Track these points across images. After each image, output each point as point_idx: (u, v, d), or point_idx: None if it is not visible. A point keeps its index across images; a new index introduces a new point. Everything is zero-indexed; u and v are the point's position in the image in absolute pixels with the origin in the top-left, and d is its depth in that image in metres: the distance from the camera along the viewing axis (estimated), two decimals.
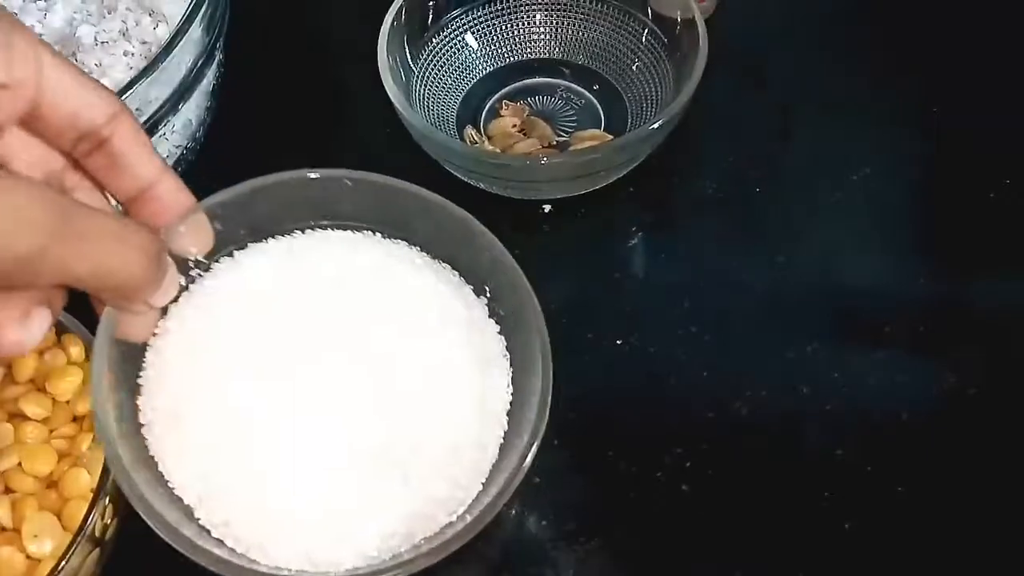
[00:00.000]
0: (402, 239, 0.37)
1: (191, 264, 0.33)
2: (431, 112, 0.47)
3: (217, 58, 0.44)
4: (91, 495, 0.31)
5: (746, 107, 0.49)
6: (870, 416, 0.37)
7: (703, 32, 0.43)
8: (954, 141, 0.47)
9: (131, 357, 0.31)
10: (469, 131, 0.47)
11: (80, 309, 0.35)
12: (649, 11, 0.47)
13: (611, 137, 0.46)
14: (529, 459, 0.29)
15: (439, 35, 0.48)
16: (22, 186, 0.19)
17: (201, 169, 0.44)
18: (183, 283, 0.31)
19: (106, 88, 0.24)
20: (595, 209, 0.45)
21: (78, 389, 0.34)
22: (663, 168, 0.46)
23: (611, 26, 0.49)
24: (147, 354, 0.32)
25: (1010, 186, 0.45)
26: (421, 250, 0.36)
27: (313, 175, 0.36)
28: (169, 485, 0.29)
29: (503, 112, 0.48)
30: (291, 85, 0.51)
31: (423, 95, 0.47)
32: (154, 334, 0.32)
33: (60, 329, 0.35)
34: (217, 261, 0.35)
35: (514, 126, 0.47)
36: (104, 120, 0.24)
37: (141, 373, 0.32)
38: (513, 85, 0.49)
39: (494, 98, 0.49)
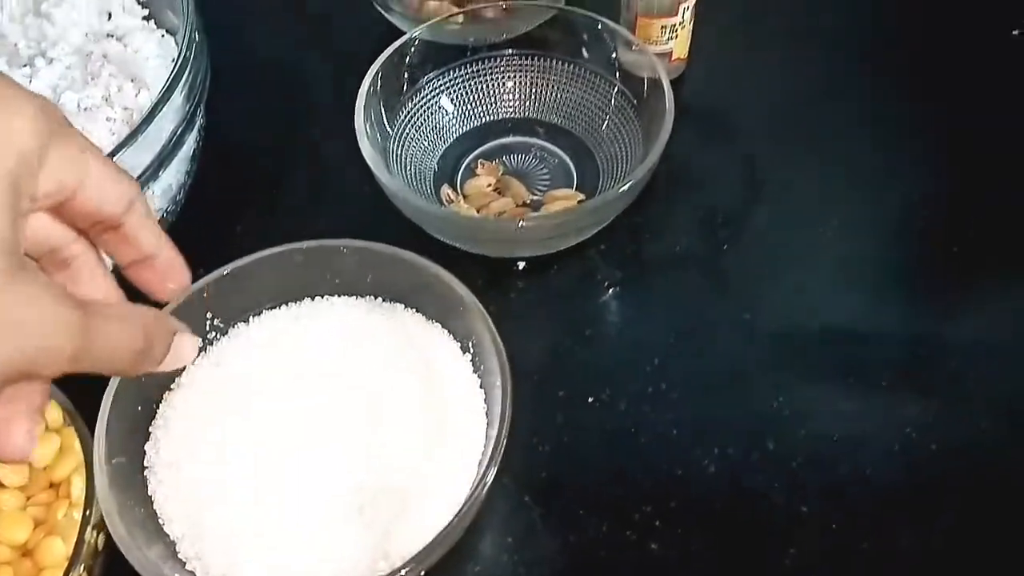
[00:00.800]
0: (396, 301, 0.40)
1: (208, 328, 0.39)
2: (408, 172, 0.48)
3: (198, 123, 0.45)
4: (66, 564, 0.31)
5: (714, 162, 0.50)
6: (835, 471, 0.38)
7: (669, 94, 0.44)
8: (919, 195, 0.49)
9: (146, 407, 0.37)
10: (446, 190, 0.48)
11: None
12: (618, 73, 0.49)
13: (583, 197, 0.47)
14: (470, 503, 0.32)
15: (415, 98, 0.49)
16: (48, 297, 0.20)
17: (181, 231, 0.45)
18: (201, 344, 0.36)
19: (128, 176, 0.26)
20: (567, 266, 0.46)
21: (55, 455, 0.34)
22: (633, 224, 0.47)
23: (582, 86, 0.50)
24: (161, 405, 0.37)
25: (974, 239, 0.46)
26: (415, 311, 0.40)
27: (316, 245, 0.40)
28: (159, 521, 0.34)
29: (479, 171, 0.49)
30: (270, 147, 0.52)
31: (400, 156, 0.48)
32: (169, 389, 0.38)
33: None
34: (233, 326, 0.40)
35: (489, 185, 0.49)
36: (124, 208, 0.25)
37: (153, 422, 0.37)
38: (488, 144, 0.51)
39: (470, 157, 0.50)
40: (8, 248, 0.20)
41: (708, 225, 0.47)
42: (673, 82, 0.53)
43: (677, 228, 0.47)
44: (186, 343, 0.26)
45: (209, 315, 0.39)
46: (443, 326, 0.39)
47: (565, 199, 0.47)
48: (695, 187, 0.49)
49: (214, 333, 0.39)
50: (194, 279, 0.38)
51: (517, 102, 0.51)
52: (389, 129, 0.47)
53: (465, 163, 0.50)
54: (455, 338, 0.39)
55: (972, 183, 0.49)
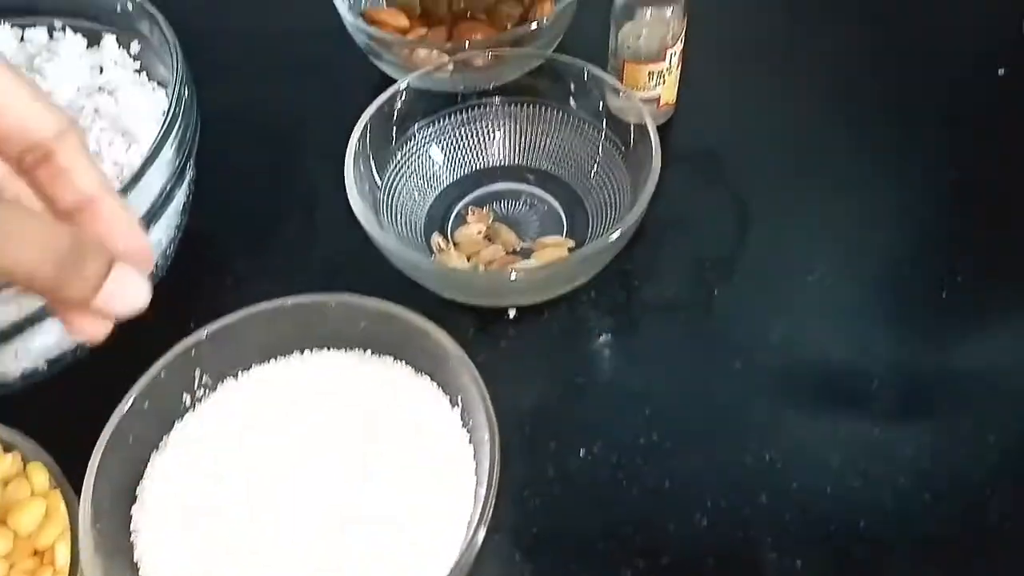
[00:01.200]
0: (385, 354, 0.40)
1: (196, 385, 0.39)
2: (399, 221, 0.48)
3: (188, 177, 0.45)
4: None
5: (703, 207, 0.51)
6: (828, 525, 0.38)
7: (656, 142, 0.44)
8: (907, 238, 0.49)
9: (133, 468, 0.37)
10: (436, 238, 0.48)
11: (46, 436, 0.36)
12: (605, 119, 0.49)
13: (572, 244, 0.47)
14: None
15: (404, 148, 0.50)
16: None
17: (172, 285, 0.45)
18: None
19: (59, 107, 0.26)
20: (558, 313, 0.46)
21: (40, 522, 0.34)
22: (624, 271, 0.47)
23: (571, 133, 0.50)
24: (148, 466, 0.37)
25: (962, 283, 0.46)
26: (404, 364, 0.40)
27: (305, 301, 0.40)
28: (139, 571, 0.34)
29: (469, 219, 0.50)
30: (261, 198, 0.53)
31: (390, 206, 0.48)
32: (156, 448, 0.38)
33: (25, 458, 0.36)
34: (222, 383, 0.40)
35: (479, 232, 0.49)
36: (53, 135, 0.25)
37: (140, 483, 0.37)
38: (478, 191, 0.51)
39: (460, 205, 0.50)
40: None
41: (698, 270, 0.47)
42: (662, 127, 0.54)
43: (667, 274, 0.47)
44: (131, 278, 0.25)
45: (198, 372, 0.39)
46: (432, 379, 0.39)
47: (555, 246, 0.47)
48: (685, 232, 0.49)
49: (203, 390, 0.39)
50: (184, 333, 0.38)
51: (506, 149, 0.52)
52: (379, 180, 0.48)
53: (455, 210, 0.50)
54: (444, 391, 0.39)
55: (963, 222, 0.49)
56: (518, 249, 0.48)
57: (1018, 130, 0.53)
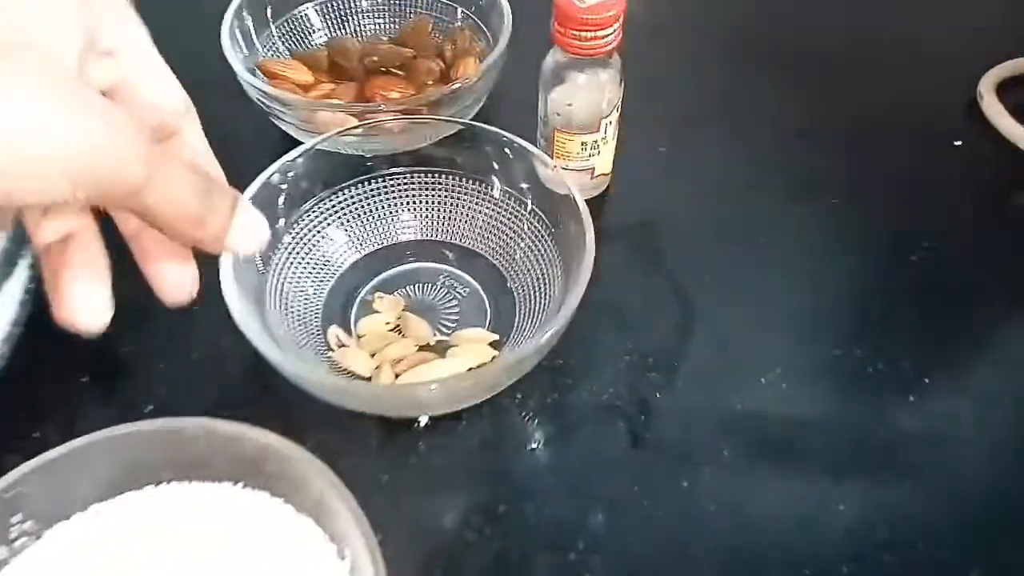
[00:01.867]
0: (260, 489, 0.33)
1: (14, 535, 0.31)
2: (290, 314, 0.41)
3: (22, 264, 0.37)
4: None
5: (642, 293, 0.45)
6: None
7: (588, 225, 0.38)
8: (858, 316, 0.44)
9: None
10: (334, 332, 0.41)
11: None
12: (531, 195, 0.43)
13: (496, 337, 0.41)
14: None
15: (296, 228, 0.43)
16: (122, 115, 0.23)
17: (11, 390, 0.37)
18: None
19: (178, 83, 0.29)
20: (478, 421, 0.39)
21: None
22: (554, 367, 0.41)
23: (493, 208, 0.44)
24: None
25: (929, 386, 0.41)
26: (283, 502, 0.32)
27: (158, 427, 0.32)
28: None
29: (376, 305, 0.43)
30: (126, 287, 0.45)
31: (279, 297, 0.41)
32: None
33: None
34: (50, 528, 0.32)
35: (388, 324, 0.42)
36: (182, 112, 0.29)
37: None
38: (387, 273, 0.44)
39: (365, 290, 0.43)
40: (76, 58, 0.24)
41: (639, 369, 0.41)
42: (597, 198, 0.48)
43: (604, 373, 0.41)
44: (254, 213, 0.30)
45: (18, 517, 0.31)
46: (316, 522, 0.32)
47: (476, 342, 0.41)
48: (622, 321, 0.43)
49: (23, 539, 0.31)
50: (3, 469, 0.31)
51: (420, 225, 0.45)
52: (264, 268, 0.40)
53: (360, 296, 0.43)
54: (331, 539, 0.31)
55: (914, 290, 0.45)
56: (433, 343, 0.41)
57: (976, 200, 0.50)
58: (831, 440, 0.39)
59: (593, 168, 0.46)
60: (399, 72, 0.52)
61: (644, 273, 0.46)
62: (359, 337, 0.42)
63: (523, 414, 0.40)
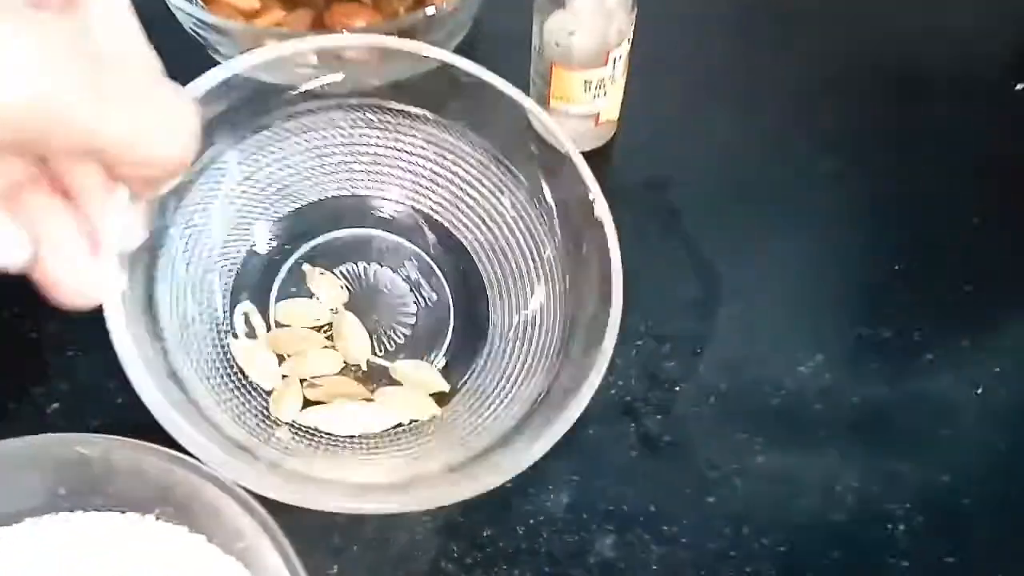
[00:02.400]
0: (180, 524, 0.26)
1: None
2: (191, 273, 0.32)
3: None
4: None
5: (657, 266, 0.37)
6: None
7: (610, 232, 0.30)
8: (918, 318, 0.37)
9: None
10: (245, 310, 0.32)
11: None
12: (526, 165, 0.33)
13: (443, 388, 0.32)
14: None
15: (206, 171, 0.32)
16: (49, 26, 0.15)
17: None
18: None
19: None
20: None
21: None
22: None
23: (473, 171, 0.34)
24: None
25: (1000, 374, 0.35)
26: (208, 541, 0.26)
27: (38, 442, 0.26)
28: None
29: (311, 283, 0.33)
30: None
31: (181, 249, 0.31)
32: None
33: None
34: None
35: (318, 320, 0.33)
36: None
37: None
38: (333, 235, 0.34)
39: (299, 253, 0.34)
40: None
41: (653, 356, 0.34)
42: (601, 150, 0.41)
43: (611, 362, 0.34)
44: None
45: None
46: (245, 566, 0.25)
47: (417, 387, 0.32)
48: (634, 301, 0.36)
49: None
50: None
51: (373, 179, 0.35)
52: (177, 201, 0.31)
53: (291, 262, 0.34)
54: None
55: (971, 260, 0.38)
56: (365, 369, 0.33)
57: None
58: (888, 439, 0.33)
59: (598, 114, 0.38)
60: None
61: (658, 241, 0.38)
62: (275, 326, 0.33)
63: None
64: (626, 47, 0.37)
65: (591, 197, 0.30)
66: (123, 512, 0.25)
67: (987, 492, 0.32)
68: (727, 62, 0.46)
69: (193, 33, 0.39)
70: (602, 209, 0.30)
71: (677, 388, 0.33)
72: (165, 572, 0.25)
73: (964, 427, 0.33)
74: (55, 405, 0.32)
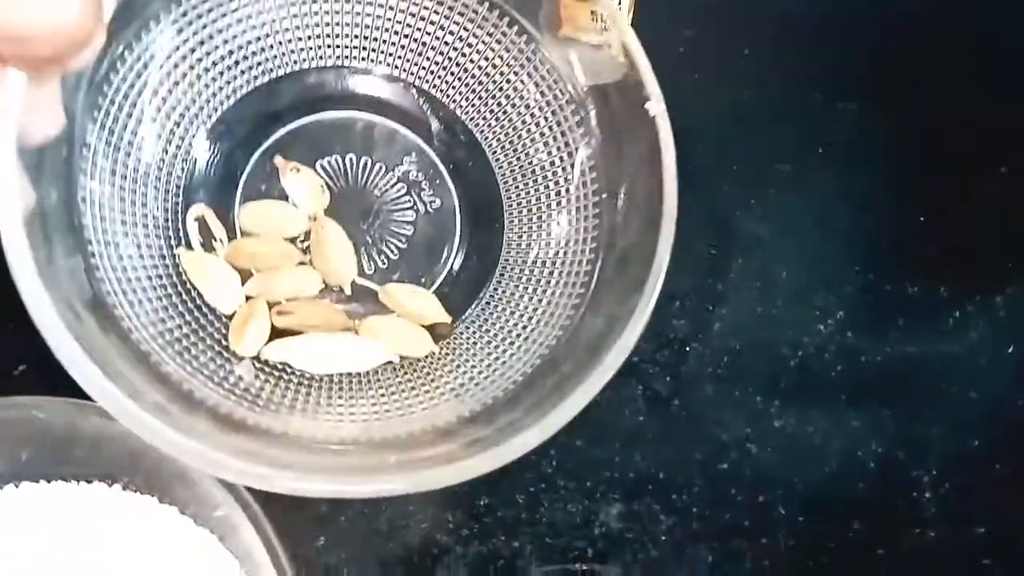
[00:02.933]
0: (146, 492, 0.24)
1: None
2: (125, 161, 0.25)
3: None
4: None
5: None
6: None
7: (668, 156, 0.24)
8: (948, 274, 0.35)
9: None
10: (199, 212, 0.26)
11: None
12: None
13: (444, 319, 0.27)
14: None
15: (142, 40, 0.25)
16: None
17: None
18: None
19: None
20: None
21: None
22: None
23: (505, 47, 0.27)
24: None
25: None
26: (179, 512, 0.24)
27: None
28: None
29: (285, 180, 0.27)
30: None
31: (111, 127, 0.25)
32: None
33: None
34: None
35: (295, 229, 0.27)
36: None
37: None
38: (316, 118, 0.28)
39: (273, 139, 0.27)
40: None
41: (663, 314, 0.32)
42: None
43: None
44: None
45: None
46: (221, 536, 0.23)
47: (411, 315, 0.27)
48: None
49: None
50: None
51: (364, 43, 0.28)
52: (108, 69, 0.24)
53: (260, 151, 0.27)
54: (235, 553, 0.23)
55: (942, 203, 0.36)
56: (348, 292, 0.27)
57: None
58: (914, 401, 0.31)
59: (610, 44, 0.35)
60: None
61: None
62: (238, 235, 0.27)
63: None
64: None
65: (645, 90, 0.24)
66: (89, 482, 0.23)
67: (1020, 457, 0.30)
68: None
69: None
70: (656, 106, 0.24)
71: (688, 348, 0.31)
72: (135, 544, 0.23)
73: (995, 389, 0.31)
74: (22, 367, 0.30)
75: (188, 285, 0.26)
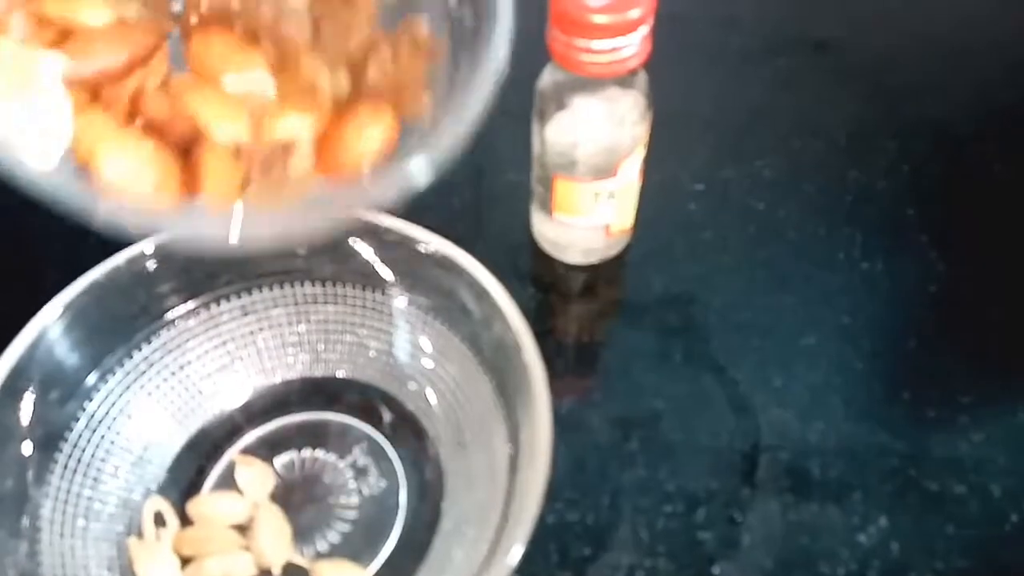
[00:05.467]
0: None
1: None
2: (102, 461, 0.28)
3: None
4: None
5: (681, 402, 0.32)
6: None
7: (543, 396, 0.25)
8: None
9: None
10: (155, 505, 0.28)
11: None
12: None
13: None
14: None
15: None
16: None
17: None
18: None
19: None
20: None
21: None
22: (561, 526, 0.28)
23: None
24: None
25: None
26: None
27: None
28: None
29: (239, 474, 0.29)
30: None
31: (91, 437, 0.28)
32: None
33: None
34: None
35: (236, 516, 0.28)
36: None
37: None
38: (284, 421, 0.30)
39: (237, 445, 0.30)
40: None
41: (683, 524, 0.29)
42: (613, 263, 0.36)
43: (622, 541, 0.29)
44: None
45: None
46: None
47: None
48: (656, 458, 0.30)
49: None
50: None
51: (317, 358, 0.31)
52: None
53: (228, 452, 0.30)
54: None
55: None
56: (278, 574, 0.27)
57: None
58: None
59: (608, 225, 0.33)
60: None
61: (685, 371, 0.33)
62: (191, 522, 0.28)
63: None
64: (641, 153, 0.32)
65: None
66: None
67: None
68: (759, 136, 0.41)
69: None
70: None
71: (716, 568, 0.28)
72: None
73: None
74: None
75: (129, 569, 0.27)
